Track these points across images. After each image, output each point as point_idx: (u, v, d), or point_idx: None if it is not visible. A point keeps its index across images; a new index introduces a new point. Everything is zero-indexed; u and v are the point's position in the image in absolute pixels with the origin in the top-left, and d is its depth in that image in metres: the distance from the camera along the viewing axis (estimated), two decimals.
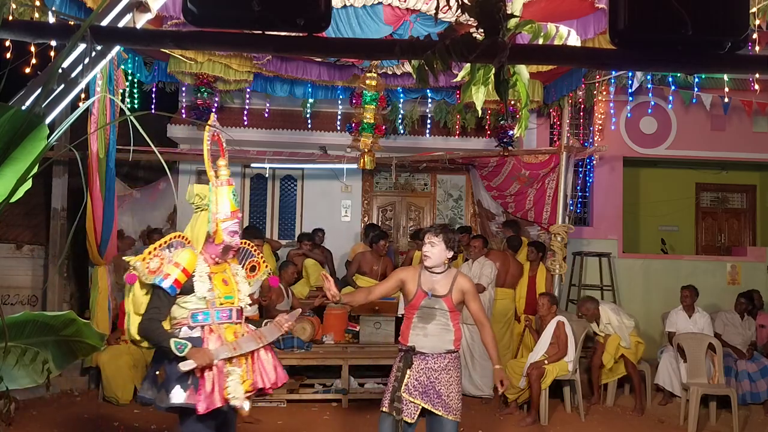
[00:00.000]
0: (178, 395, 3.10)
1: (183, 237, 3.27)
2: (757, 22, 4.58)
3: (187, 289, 3.13)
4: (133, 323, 3.17)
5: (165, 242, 3.21)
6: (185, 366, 2.99)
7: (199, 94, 7.26)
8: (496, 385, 3.54)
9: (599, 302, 6.57)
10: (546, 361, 5.80)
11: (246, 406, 3.18)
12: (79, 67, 2.62)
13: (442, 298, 3.53)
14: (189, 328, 3.15)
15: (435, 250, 3.54)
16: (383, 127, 6.71)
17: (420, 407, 3.45)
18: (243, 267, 3.53)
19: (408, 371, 3.49)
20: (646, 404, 6.33)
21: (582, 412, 5.94)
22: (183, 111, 8.35)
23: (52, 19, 4.85)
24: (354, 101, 6.78)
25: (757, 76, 7.04)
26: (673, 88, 8.04)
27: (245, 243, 3.58)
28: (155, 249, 3.14)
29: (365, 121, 6.62)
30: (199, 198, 3.25)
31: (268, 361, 3.33)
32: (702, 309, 6.60)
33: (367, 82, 6.49)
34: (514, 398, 5.98)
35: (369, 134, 6.61)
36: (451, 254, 3.58)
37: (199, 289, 3.15)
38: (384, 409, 3.48)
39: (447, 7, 4.43)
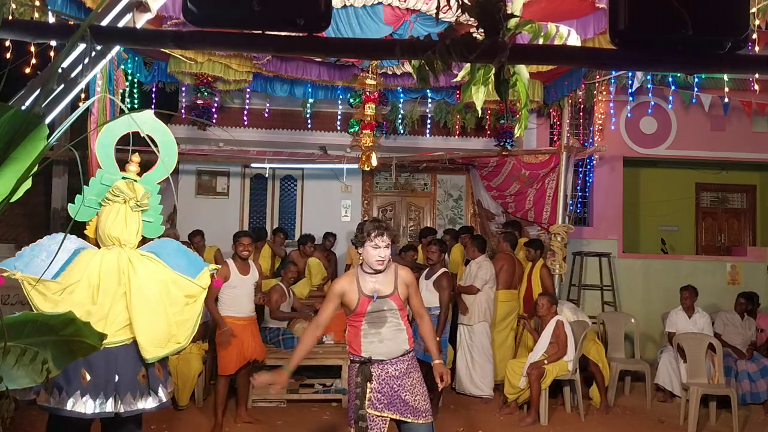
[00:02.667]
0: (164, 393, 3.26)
1: None
2: (757, 22, 4.59)
3: None
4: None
5: None
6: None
7: (199, 94, 7.26)
8: (435, 380, 3.33)
9: (557, 299, 6.42)
10: (546, 361, 5.79)
11: None
12: (79, 67, 2.62)
13: (389, 297, 3.27)
14: None
15: (388, 251, 3.26)
16: (374, 125, 6.68)
17: (388, 419, 3.24)
18: None
19: (368, 384, 3.22)
20: (611, 402, 6.32)
21: (582, 412, 5.94)
22: (183, 111, 8.35)
23: (52, 19, 4.85)
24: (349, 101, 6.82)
25: (757, 76, 7.04)
26: (673, 88, 8.05)
27: None
28: None
29: (353, 119, 6.64)
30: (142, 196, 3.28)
31: None
32: (702, 309, 6.60)
33: (359, 79, 6.53)
34: (514, 398, 5.97)
35: (357, 132, 6.64)
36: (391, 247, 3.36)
37: None
38: (351, 430, 3.23)
39: (447, 7, 4.44)
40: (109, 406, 3.04)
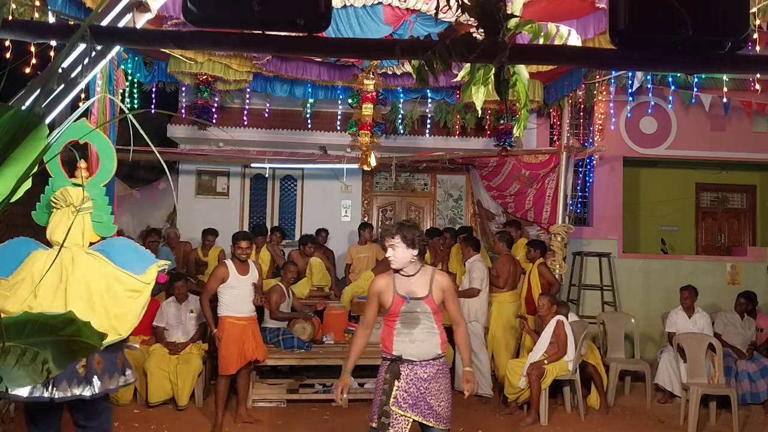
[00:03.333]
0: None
1: None
2: (757, 22, 4.58)
3: None
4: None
5: None
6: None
7: (199, 94, 7.27)
8: (462, 386, 3.38)
9: (557, 299, 6.36)
10: (546, 361, 5.79)
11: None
12: (79, 67, 2.62)
13: (423, 300, 3.33)
14: None
15: (397, 252, 3.33)
16: (372, 125, 6.66)
17: (411, 420, 3.28)
18: None
19: (396, 382, 3.29)
20: (611, 402, 6.34)
21: (582, 412, 5.94)
22: (183, 111, 8.35)
23: (52, 19, 4.85)
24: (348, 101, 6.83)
25: (758, 76, 7.04)
26: (673, 88, 8.04)
27: None
28: None
29: (352, 119, 6.64)
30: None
31: None
32: (702, 309, 6.60)
33: (358, 80, 6.54)
34: (514, 398, 5.98)
35: (354, 132, 6.63)
36: (416, 251, 3.35)
37: None
38: (373, 425, 3.28)
39: (447, 7, 4.44)
40: (42, 392, 3.27)
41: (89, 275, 3.32)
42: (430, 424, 3.29)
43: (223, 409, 5.30)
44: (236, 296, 5.30)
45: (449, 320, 3.53)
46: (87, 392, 3.40)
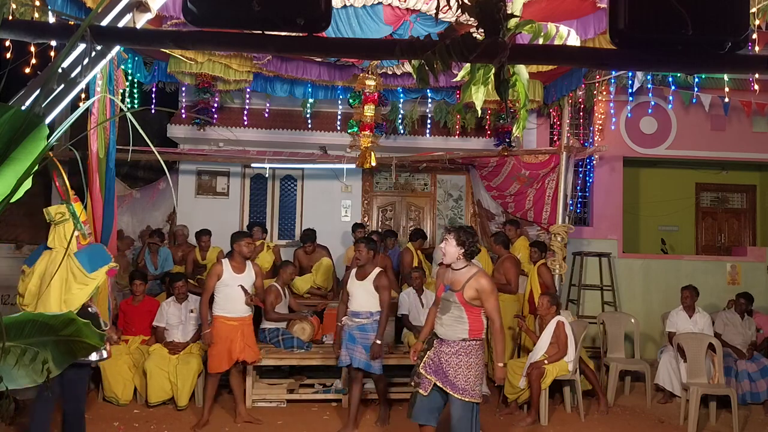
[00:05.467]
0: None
1: None
2: (757, 22, 4.59)
3: None
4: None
5: None
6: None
7: (199, 94, 7.25)
8: (494, 380, 4.08)
9: (557, 299, 6.31)
10: (546, 361, 5.79)
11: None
12: (79, 67, 2.62)
13: (455, 293, 3.98)
14: None
15: (448, 246, 4.04)
16: (373, 125, 6.62)
17: (433, 383, 4.01)
18: None
19: (429, 352, 4.09)
20: (611, 403, 6.33)
21: (582, 412, 5.94)
22: (183, 111, 8.35)
23: (52, 19, 4.85)
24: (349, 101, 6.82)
25: (757, 76, 7.04)
26: (673, 88, 8.04)
27: None
28: None
29: (352, 119, 6.64)
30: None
31: None
32: (702, 309, 6.60)
33: (358, 80, 6.54)
34: (514, 398, 5.97)
35: (356, 133, 6.63)
36: (462, 250, 4.00)
37: None
38: (411, 383, 4.17)
39: (447, 7, 4.44)
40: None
41: (60, 269, 4.12)
42: (447, 390, 3.98)
43: (209, 407, 5.33)
44: (228, 295, 5.29)
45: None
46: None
